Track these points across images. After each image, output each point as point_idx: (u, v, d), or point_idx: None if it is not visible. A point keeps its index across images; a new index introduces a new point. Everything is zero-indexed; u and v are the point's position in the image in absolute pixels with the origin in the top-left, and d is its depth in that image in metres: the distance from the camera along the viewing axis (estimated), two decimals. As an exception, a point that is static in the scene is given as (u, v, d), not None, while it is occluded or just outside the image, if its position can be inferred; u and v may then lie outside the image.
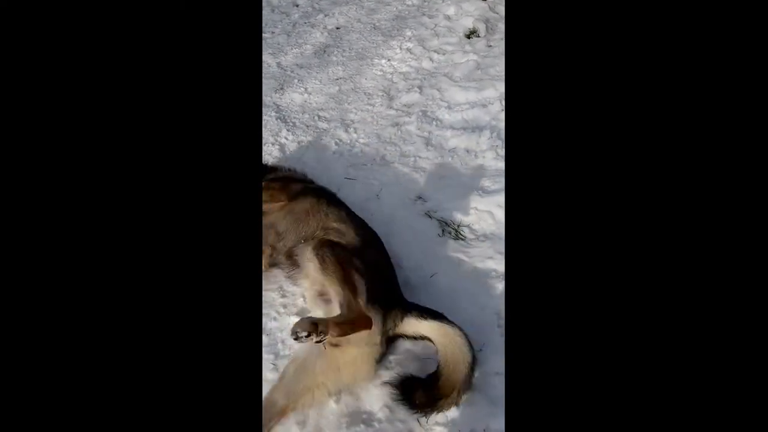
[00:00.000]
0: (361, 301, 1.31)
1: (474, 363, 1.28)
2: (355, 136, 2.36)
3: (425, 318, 1.35)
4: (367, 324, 1.27)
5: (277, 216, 1.60)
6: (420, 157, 2.16)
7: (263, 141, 2.37)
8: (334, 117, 2.51)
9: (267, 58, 3.05)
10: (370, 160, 2.19)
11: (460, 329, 1.32)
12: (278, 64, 2.99)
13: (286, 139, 2.39)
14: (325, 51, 3.09)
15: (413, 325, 1.36)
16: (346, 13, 3.49)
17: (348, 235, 1.50)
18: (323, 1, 3.71)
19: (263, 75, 2.90)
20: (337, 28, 3.35)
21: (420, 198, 1.95)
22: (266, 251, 1.60)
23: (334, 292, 1.33)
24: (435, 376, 1.30)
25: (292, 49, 3.14)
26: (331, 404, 1.33)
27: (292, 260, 1.54)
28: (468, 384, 1.26)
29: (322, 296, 1.42)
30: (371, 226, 1.66)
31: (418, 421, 1.28)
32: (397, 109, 2.49)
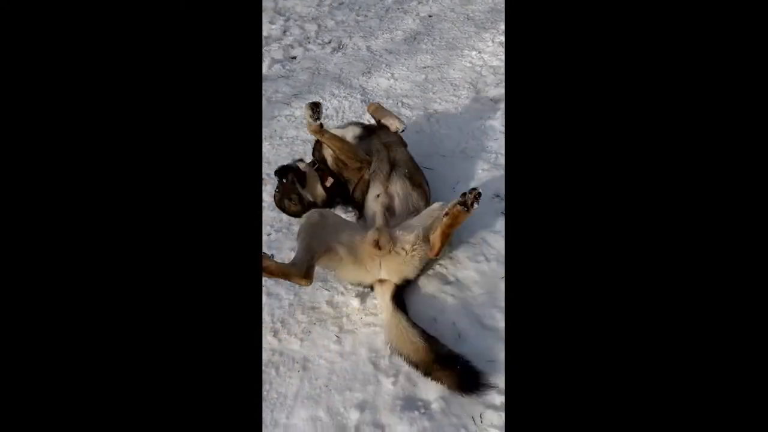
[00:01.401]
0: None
1: None
2: (437, 126, 2.34)
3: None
4: None
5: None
6: (501, 154, 2.10)
7: (346, 122, 2.42)
8: (417, 105, 2.50)
9: (358, 41, 3.10)
10: (450, 152, 2.17)
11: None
12: (368, 48, 3.03)
13: (369, 122, 2.42)
14: (415, 38, 3.08)
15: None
16: (440, 2, 3.44)
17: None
18: (418, -12, 3.68)
19: (353, 57, 2.96)
20: (430, 16, 3.31)
21: (497, 196, 1.90)
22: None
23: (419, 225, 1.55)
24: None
25: (383, 33, 3.16)
26: (388, 384, 1.36)
27: (391, 170, 1.78)
28: None
29: (389, 211, 1.68)
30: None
31: (473, 418, 1.27)
32: (483, 103, 2.43)
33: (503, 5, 3.26)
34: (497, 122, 2.27)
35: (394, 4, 3.53)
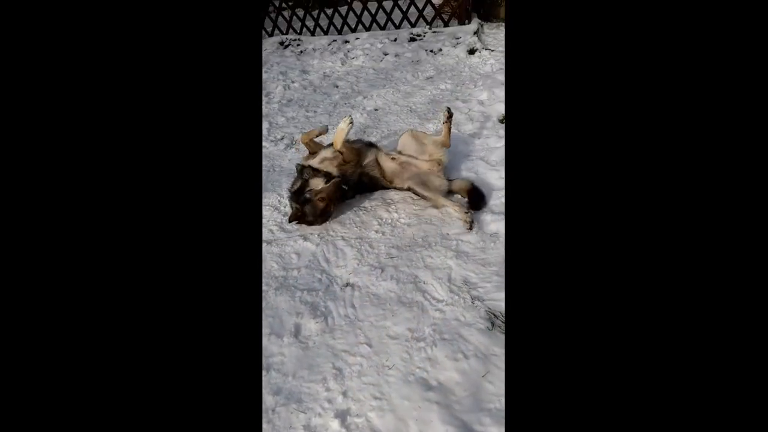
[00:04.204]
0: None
1: None
2: (396, 215, 2.40)
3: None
4: None
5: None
6: (462, 240, 2.17)
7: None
8: (375, 195, 2.57)
9: (309, 136, 3.21)
10: (412, 241, 2.20)
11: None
12: (320, 142, 3.14)
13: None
14: (364, 131, 3.25)
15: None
16: (383, 96, 3.71)
17: None
18: (362, 84, 3.97)
19: (305, 150, 3.03)
20: (375, 110, 3.54)
21: (466, 283, 1.92)
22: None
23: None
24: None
25: (332, 127, 3.31)
26: None
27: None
28: None
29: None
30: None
31: None
32: (436, 191, 2.54)
33: (441, 97, 3.58)
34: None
35: (341, 99, 3.76)
